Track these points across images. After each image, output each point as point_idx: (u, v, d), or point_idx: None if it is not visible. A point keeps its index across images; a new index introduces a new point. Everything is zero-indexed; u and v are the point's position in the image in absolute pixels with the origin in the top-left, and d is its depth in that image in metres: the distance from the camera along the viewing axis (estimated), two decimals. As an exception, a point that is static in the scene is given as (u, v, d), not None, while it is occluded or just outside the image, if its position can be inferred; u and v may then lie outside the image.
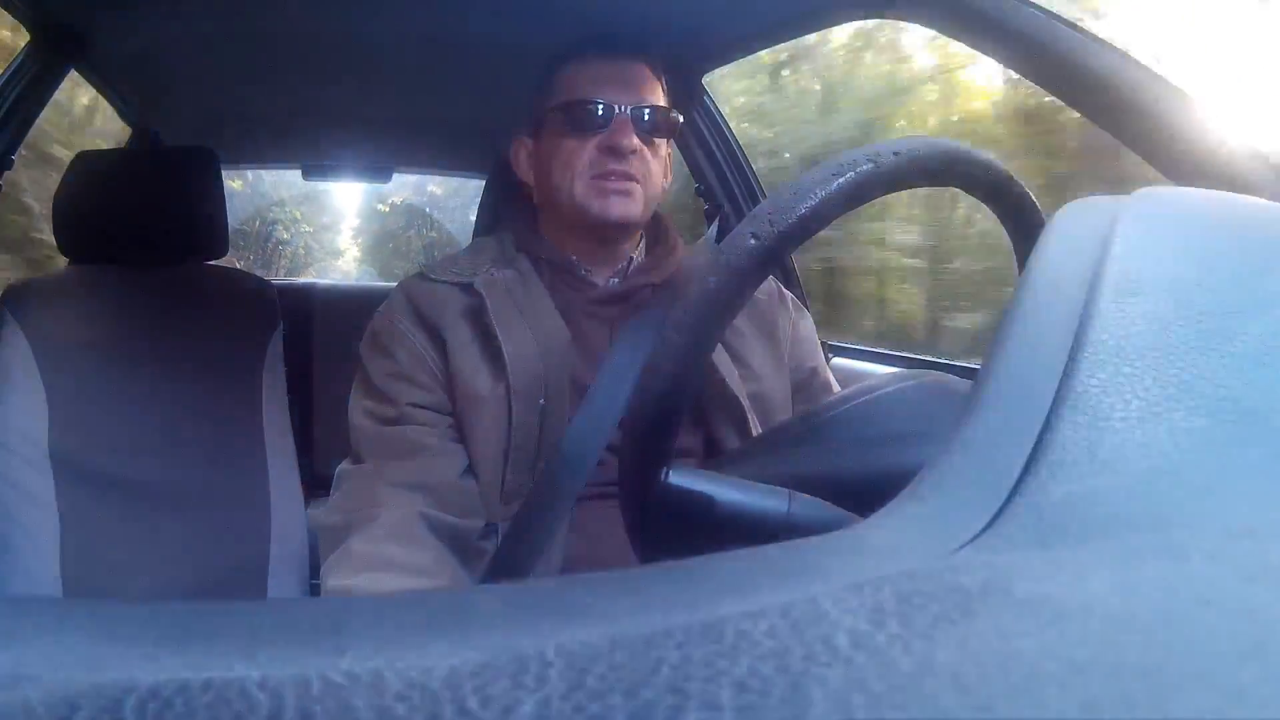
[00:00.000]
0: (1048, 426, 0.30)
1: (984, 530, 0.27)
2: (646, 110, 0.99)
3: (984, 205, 0.59)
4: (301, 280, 3.49)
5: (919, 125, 3.55)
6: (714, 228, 1.16)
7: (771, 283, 1.11)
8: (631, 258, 1.04)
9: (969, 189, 0.57)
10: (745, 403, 0.99)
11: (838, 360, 1.68)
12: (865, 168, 0.50)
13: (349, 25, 1.50)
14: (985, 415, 0.32)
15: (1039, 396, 0.31)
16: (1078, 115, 0.93)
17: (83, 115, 3.82)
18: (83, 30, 1.42)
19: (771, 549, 0.27)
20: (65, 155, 1.75)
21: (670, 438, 0.53)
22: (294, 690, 0.18)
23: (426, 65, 1.71)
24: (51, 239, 1.37)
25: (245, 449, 1.37)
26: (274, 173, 5.26)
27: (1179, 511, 0.27)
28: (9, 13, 1.33)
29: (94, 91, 1.87)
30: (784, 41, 1.59)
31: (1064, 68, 0.90)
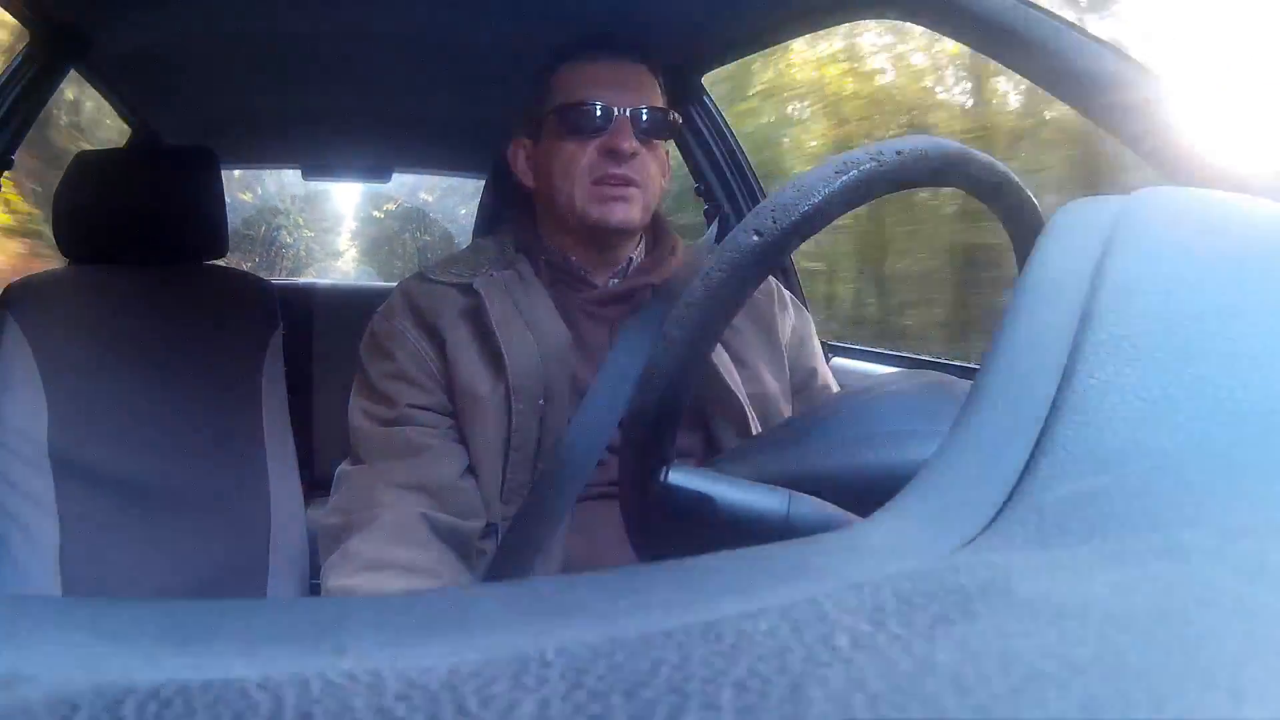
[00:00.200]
0: (1048, 426, 0.30)
1: (984, 530, 0.27)
2: (645, 111, 0.99)
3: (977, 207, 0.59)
4: (301, 280, 3.49)
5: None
6: (714, 227, 1.15)
7: (771, 282, 1.11)
8: (631, 258, 1.04)
9: (970, 189, 0.57)
10: (745, 402, 0.99)
11: (837, 360, 1.68)
12: (868, 166, 0.50)
13: (349, 25, 1.50)
14: (985, 415, 0.32)
15: (1039, 396, 0.31)
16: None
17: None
18: (83, 30, 1.42)
19: (771, 549, 0.27)
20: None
21: (670, 437, 0.53)
22: (294, 690, 0.18)
23: (426, 65, 1.71)
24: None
25: (245, 449, 1.37)
26: (278, 183, 5.35)
27: (1179, 511, 0.27)
28: (9, 12, 1.33)
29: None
30: (784, 41, 1.60)
31: (1064, 68, 0.90)
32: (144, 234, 1.38)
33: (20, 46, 1.41)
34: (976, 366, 0.38)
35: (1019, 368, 0.33)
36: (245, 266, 4.72)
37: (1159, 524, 0.26)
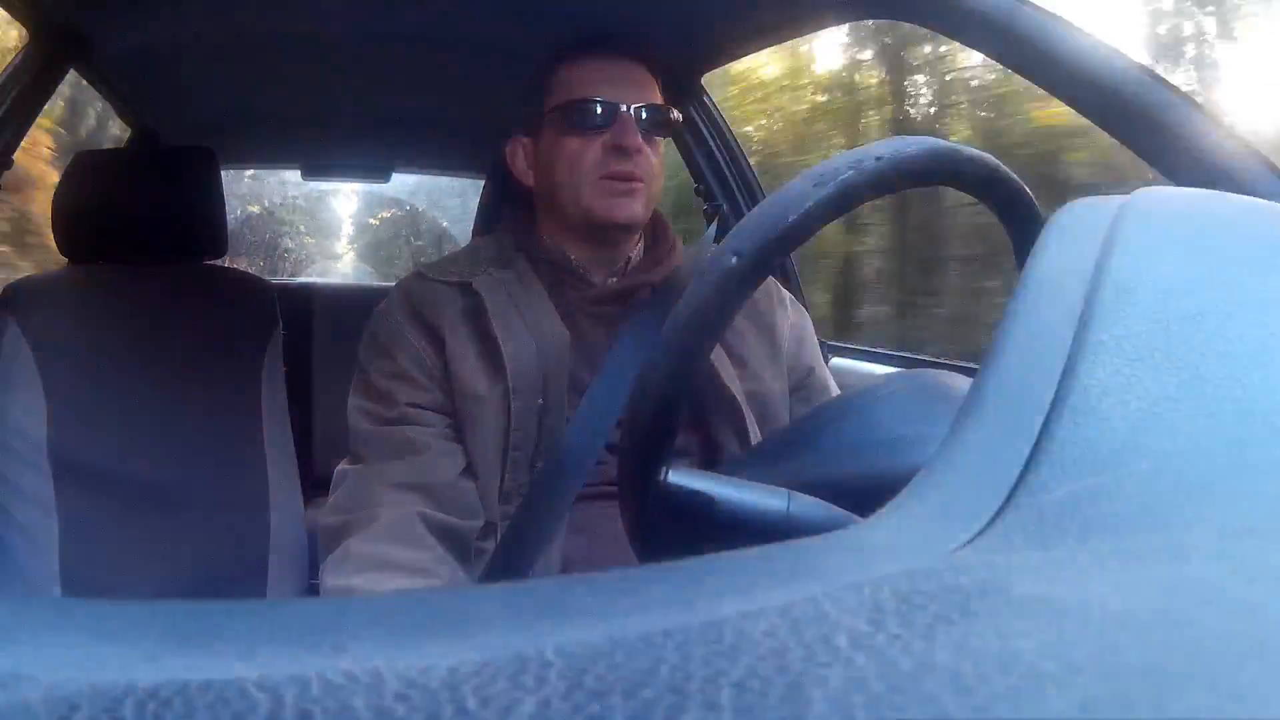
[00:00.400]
0: (1048, 426, 0.30)
1: (984, 530, 0.27)
2: (648, 109, 0.99)
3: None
4: (301, 280, 3.50)
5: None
6: (713, 228, 1.15)
7: (770, 282, 1.11)
8: (629, 257, 1.04)
9: (959, 185, 0.57)
10: (743, 402, 0.99)
11: (837, 360, 1.68)
12: (846, 175, 0.50)
13: (348, 25, 1.50)
14: (985, 415, 0.32)
15: (1039, 396, 0.31)
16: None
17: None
18: (83, 30, 1.42)
19: (771, 549, 0.27)
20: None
21: (669, 437, 0.53)
22: (293, 690, 0.18)
23: (426, 65, 1.71)
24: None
25: (244, 449, 1.37)
26: (282, 195, 5.51)
27: (1179, 511, 0.27)
28: (9, 13, 1.33)
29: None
30: (783, 41, 1.59)
31: (1063, 68, 0.90)
32: (144, 234, 1.38)
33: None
34: (976, 366, 0.38)
35: (1019, 368, 0.33)
36: (252, 269, 4.78)
37: (1159, 524, 0.26)
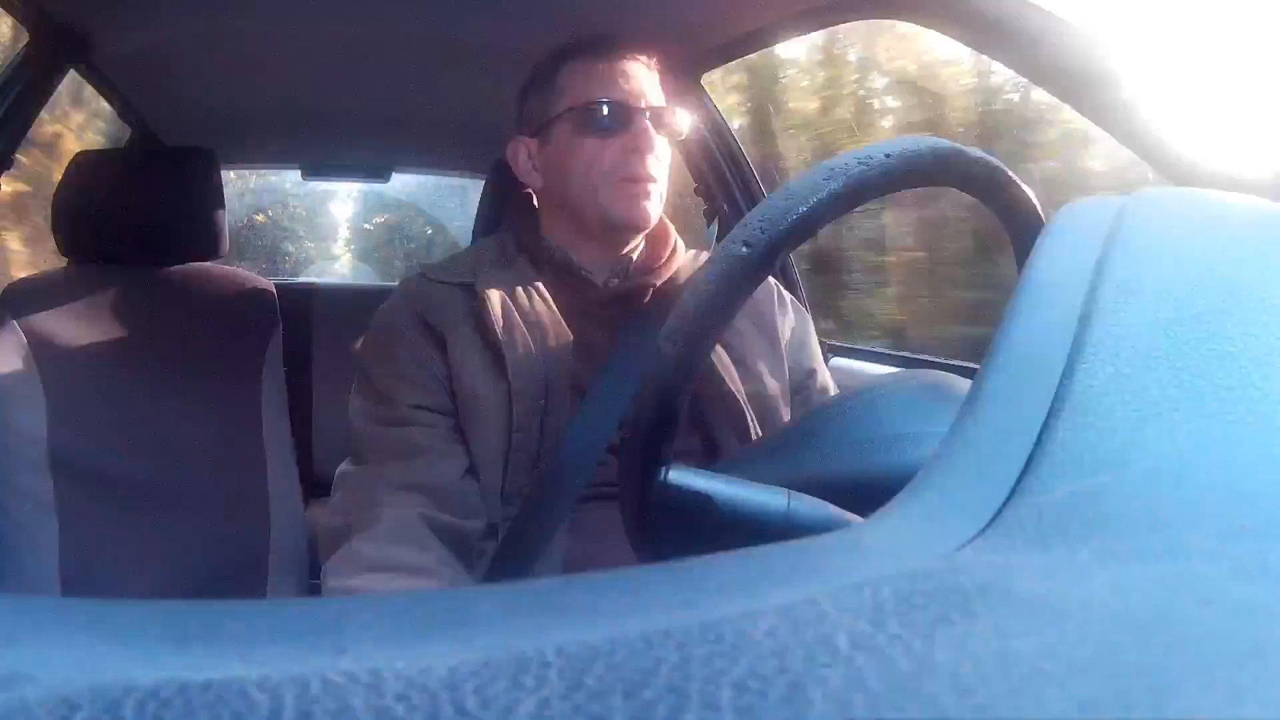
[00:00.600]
0: (1048, 426, 0.30)
1: (984, 530, 0.27)
2: (663, 111, 0.99)
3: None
4: (301, 280, 3.50)
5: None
6: (713, 228, 1.15)
7: (771, 283, 1.11)
8: (632, 258, 1.04)
9: (965, 187, 0.57)
10: (744, 403, 0.99)
11: (837, 360, 1.68)
12: (856, 171, 0.50)
13: (348, 25, 1.50)
14: (985, 415, 0.32)
15: (1039, 396, 0.31)
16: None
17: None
18: (83, 30, 1.42)
19: (771, 549, 0.27)
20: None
21: (669, 437, 0.53)
22: (293, 690, 0.18)
23: (426, 65, 1.71)
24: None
25: (244, 449, 1.37)
26: (285, 206, 5.62)
27: (1179, 511, 0.27)
28: (9, 13, 1.33)
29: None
30: (783, 41, 1.59)
31: (1063, 67, 0.90)
32: (144, 234, 1.38)
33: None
34: (976, 366, 0.38)
35: (1019, 368, 0.33)
36: (256, 270, 4.90)
37: (1159, 524, 0.26)
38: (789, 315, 1.10)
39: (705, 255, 1.08)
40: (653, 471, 0.52)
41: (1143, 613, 0.21)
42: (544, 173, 1.03)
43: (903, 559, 0.26)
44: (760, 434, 0.99)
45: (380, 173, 2.78)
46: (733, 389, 0.98)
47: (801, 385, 1.08)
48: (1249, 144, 0.80)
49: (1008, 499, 0.28)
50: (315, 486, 1.47)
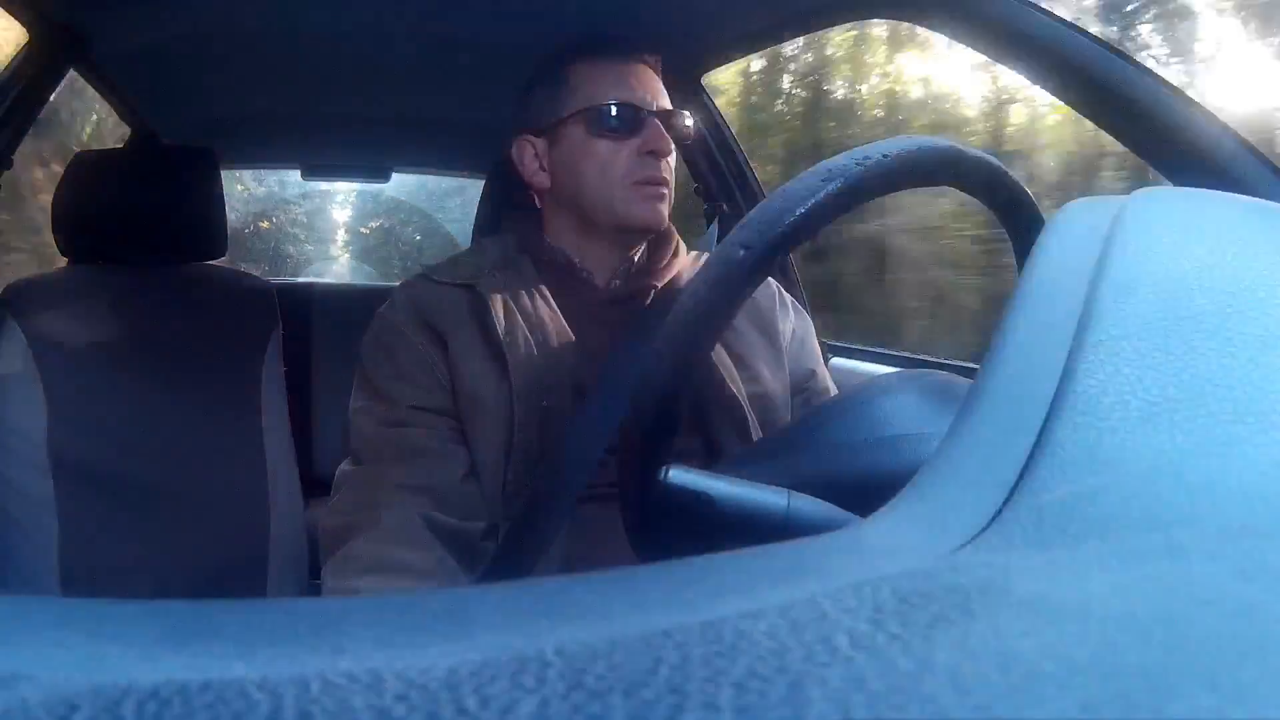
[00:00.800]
0: (1048, 426, 0.30)
1: (984, 530, 0.27)
2: (672, 114, 0.99)
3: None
4: (301, 280, 3.50)
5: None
6: (714, 228, 1.15)
7: (771, 284, 1.11)
8: (633, 260, 1.04)
9: (964, 187, 0.57)
10: (745, 404, 0.99)
11: (837, 360, 1.68)
12: (855, 172, 0.50)
13: (348, 25, 1.50)
14: (985, 415, 0.32)
15: (1039, 396, 0.31)
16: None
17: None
18: (83, 30, 1.42)
19: (771, 549, 0.27)
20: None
21: (669, 438, 0.53)
22: (293, 690, 0.18)
23: (426, 65, 1.71)
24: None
25: (244, 449, 1.37)
26: (287, 212, 5.69)
27: (1179, 511, 0.27)
28: (9, 13, 1.33)
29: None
30: (783, 41, 1.60)
31: (1063, 68, 0.90)
32: (144, 234, 1.38)
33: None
34: (976, 366, 0.38)
35: (1019, 368, 0.33)
36: (256, 270, 4.92)
37: (1159, 524, 0.26)
38: (789, 316, 1.11)
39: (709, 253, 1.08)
40: (653, 472, 0.52)
41: (1143, 613, 0.21)
42: (553, 173, 1.03)
43: (903, 559, 0.26)
44: (761, 435, 0.99)
45: (380, 172, 2.78)
46: (734, 390, 0.98)
47: (802, 386, 1.08)
48: (1249, 144, 0.80)
49: (1007, 499, 0.28)
50: (315, 486, 1.47)
